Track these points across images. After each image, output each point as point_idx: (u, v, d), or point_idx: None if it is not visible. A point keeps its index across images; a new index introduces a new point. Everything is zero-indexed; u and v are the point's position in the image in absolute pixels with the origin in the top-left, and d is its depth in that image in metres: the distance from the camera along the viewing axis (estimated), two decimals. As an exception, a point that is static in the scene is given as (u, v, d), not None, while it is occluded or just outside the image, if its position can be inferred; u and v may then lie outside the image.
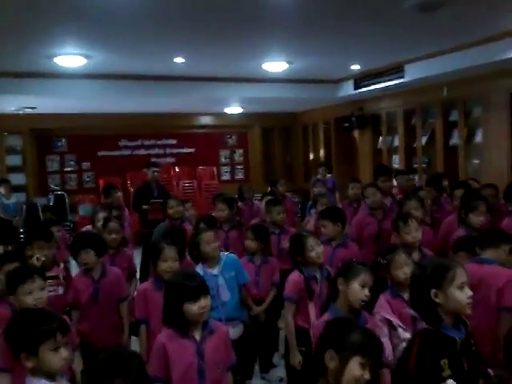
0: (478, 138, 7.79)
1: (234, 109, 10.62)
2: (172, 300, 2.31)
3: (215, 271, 3.41)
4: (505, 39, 6.27)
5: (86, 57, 6.34)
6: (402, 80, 7.86)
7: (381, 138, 9.81)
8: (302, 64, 7.54)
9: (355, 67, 8.10)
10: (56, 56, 6.27)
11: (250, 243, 3.82)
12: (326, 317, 2.47)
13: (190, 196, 10.30)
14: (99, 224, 4.67)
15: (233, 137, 12.13)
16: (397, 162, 9.38)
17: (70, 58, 6.32)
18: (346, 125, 10.10)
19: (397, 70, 7.85)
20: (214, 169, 11.63)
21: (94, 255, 3.48)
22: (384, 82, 8.19)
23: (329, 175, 8.57)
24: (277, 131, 12.14)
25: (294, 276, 3.17)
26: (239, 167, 12.24)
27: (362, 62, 7.77)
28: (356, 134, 10.41)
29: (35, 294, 2.58)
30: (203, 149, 11.61)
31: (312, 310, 2.99)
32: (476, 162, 7.96)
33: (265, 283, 3.83)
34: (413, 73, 7.68)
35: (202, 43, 6.28)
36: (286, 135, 12.30)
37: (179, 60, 6.92)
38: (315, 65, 7.72)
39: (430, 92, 8.27)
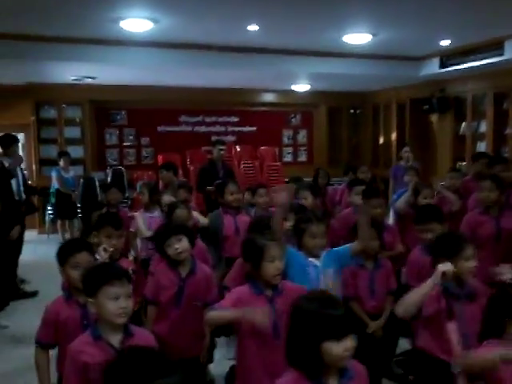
0: None
1: (301, 86, 9.91)
2: (306, 335, 1.65)
3: (317, 262, 2.81)
4: None
5: (154, 21, 5.81)
6: (500, 58, 6.94)
7: (464, 123, 8.89)
8: (385, 37, 6.76)
9: (445, 42, 7.22)
10: (122, 19, 5.77)
11: (374, 244, 3.19)
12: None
13: (251, 177, 9.78)
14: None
15: (297, 116, 11.40)
16: (482, 149, 8.48)
17: (136, 22, 5.81)
18: (426, 107, 9.21)
19: (495, 47, 6.94)
20: (276, 149, 10.99)
21: (188, 244, 2.91)
22: (478, 60, 7.28)
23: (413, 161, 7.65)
24: (344, 111, 11.31)
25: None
26: (302, 149, 11.53)
27: (454, 35, 6.88)
28: (434, 117, 9.51)
29: (121, 302, 2.01)
30: (265, 128, 10.95)
31: (454, 334, 2.32)
32: None
33: (381, 292, 3.19)
34: (514, 50, 6.77)
35: (278, 10, 5.65)
36: (354, 116, 11.48)
37: (253, 28, 6.29)
38: (400, 39, 6.92)
39: (528, 73, 7.33)
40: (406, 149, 7.75)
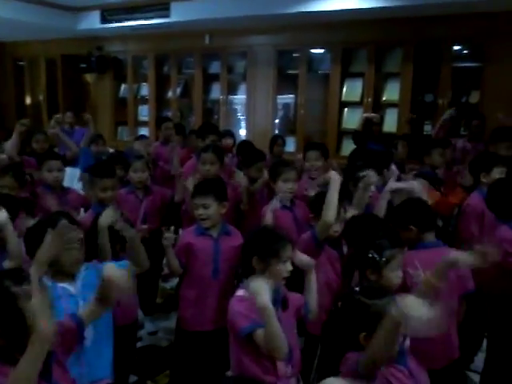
0: (242, 92, 7.44)
1: None
2: None
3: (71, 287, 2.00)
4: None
5: None
6: (166, 20, 6.80)
7: (124, 85, 8.55)
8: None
9: (111, -6, 6.62)
10: None
11: None
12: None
13: None
14: None
15: None
16: (145, 113, 8.36)
17: None
18: (84, 66, 8.40)
19: (161, 8, 6.74)
20: None
21: None
22: (143, 19, 6.95)
23: (78, 126, 6.83)
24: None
25: None
26: None
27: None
28: (92, 78, 8.81)
29: None
30: None
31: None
32: (240, 117, 7.63)
33: None
34: (180, 13, 6.71)
35: None
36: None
37: None
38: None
39: (188, 39, 7.45)
40: (69, 114, 6.91)
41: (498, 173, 3.38)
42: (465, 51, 6.01)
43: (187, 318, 2.75)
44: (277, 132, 6.96)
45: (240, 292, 2.08)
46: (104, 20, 7.32)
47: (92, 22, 7.45)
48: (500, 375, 2.67)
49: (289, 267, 2.08)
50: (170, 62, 7.91)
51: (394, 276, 2.18)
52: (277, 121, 7.23)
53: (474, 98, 5.73)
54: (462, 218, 3.42)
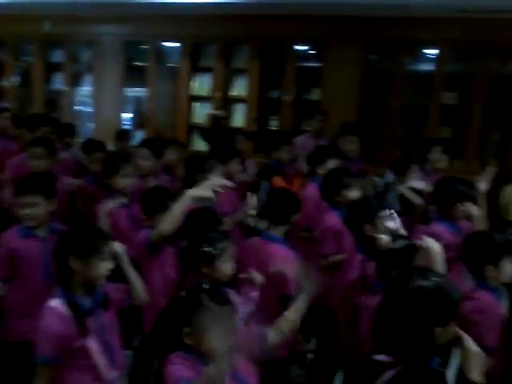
0: (88, 84, 7.02)
1: None
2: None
3: None
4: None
5: None
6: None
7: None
8: None
9: None
10: None
11: None
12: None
13: None
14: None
15: None
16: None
17: None
18: None
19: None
20: None
21: None
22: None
23: None
24: None
25: None
26: None
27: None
28: None
29: None
30: None
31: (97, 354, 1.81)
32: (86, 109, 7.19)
33: None
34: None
35: None
36: None
37: None
38: None
39: (26, 23, 6.81)
40: None
41: (331, 164, 3.59)
42: (307, 51, 6.28)
43: (15, 328, 2.47)
44: (128, 125, 6.70)
45: (53, 302, 1.90)
46: None
47: None
48: (326, 354, 2.84)
49: (109, 265, 1.96)
50: (5, 48, 7.23)
51: (226, 268, 2.17)
52: (131, 115, 6.95)
53: (316, 95, 6.02)
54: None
